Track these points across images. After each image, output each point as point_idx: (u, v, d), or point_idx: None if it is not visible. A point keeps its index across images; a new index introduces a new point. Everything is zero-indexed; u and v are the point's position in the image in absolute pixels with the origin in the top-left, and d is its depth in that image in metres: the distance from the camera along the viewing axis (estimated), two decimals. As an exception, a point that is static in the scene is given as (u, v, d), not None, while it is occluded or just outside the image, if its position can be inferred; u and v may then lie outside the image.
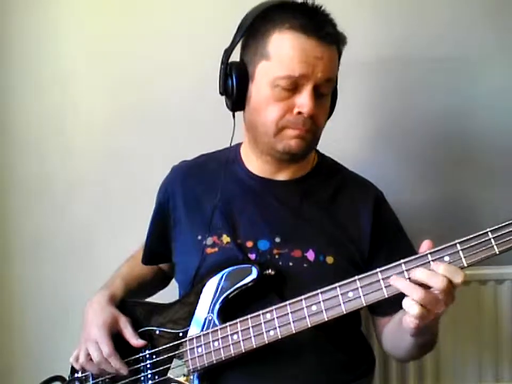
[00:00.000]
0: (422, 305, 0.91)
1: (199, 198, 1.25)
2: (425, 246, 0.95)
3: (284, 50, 1.11)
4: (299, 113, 1.12)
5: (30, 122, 1.70)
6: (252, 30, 1.16)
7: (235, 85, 1.16)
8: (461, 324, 1.60)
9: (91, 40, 1.68)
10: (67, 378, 1.26)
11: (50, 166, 1.72)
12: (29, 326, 1.75)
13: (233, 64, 1.17)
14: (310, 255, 1.16)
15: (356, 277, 0.99)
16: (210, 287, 1.15)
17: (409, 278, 0.94)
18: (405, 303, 0.92)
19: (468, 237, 0.93)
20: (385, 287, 0.96)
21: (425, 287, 0.92)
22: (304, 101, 1.11)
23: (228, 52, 1.18)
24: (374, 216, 1.22)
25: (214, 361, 1.09)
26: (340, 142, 1.57)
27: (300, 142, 1.15)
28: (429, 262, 0.94)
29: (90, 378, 1.23)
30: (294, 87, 1.11)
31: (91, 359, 1.18)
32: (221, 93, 1.20)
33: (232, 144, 1.26)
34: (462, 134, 1.68)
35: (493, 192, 1.69)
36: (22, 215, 1.74)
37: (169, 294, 1.34)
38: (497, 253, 0.92)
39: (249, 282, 1.12)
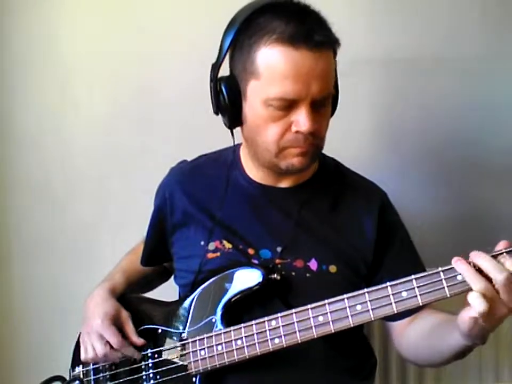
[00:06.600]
0: (487, 301, 0.85)
1: (200, 203, 1.22)
2: (501, 245, 0.90)
3: (274, 69, 1.03)
4: (298, 131, 1.06)
5: (30, 122, 1.70)
6: (238, 42, 1.08)
7: (228, 103, 1.09)
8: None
9: (91, 40, 1.67)
10: (67, 378, 1.25)
11: (50, 165, 1.72)
12: (29, 326, 1.75)
13: (223, 80, 1.10)
14: (313, 264, 1.14)
15: (365, 290, 0.97)
16: (214, 288, 1.13)
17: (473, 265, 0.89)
18: (472, 298, 0.86)
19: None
20: (395, 302, 0.94)
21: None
22: (302, 119, 1.05)
23: (216, 68, 1.11)
24: (379, 223, 1.19)
25: (217, 366, 1.08)
26: (342, 142, 1.55)
27: (303, 159, 1.10)
28: (441, 280, 0.91)
29: (91, 373, 1.22)
30: (289, 105, 1.05)
31: None
32: (215, 112, 1.13)
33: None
34: (466, 134, 1.68)
35: (498, 193, 1.68)
36: (22, 214, 1.73)
37: (169, 293, 1.33)
38: None
39: (254, 286, 1.10)
